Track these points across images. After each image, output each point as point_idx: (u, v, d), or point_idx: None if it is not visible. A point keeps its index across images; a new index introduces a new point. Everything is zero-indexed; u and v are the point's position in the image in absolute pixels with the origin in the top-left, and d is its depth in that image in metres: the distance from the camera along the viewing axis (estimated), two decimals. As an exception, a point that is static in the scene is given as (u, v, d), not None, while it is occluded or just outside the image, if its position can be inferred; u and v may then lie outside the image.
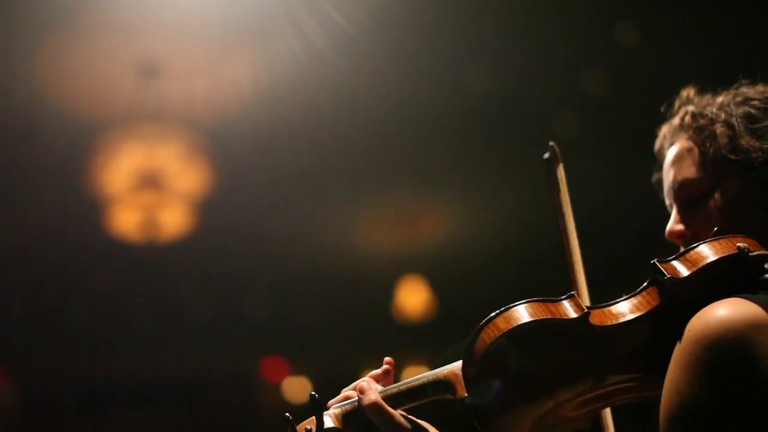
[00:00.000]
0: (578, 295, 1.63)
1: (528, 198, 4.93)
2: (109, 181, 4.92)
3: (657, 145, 1.87)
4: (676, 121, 1.81)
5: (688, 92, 1.83)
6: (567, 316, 1.55)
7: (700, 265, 1.53)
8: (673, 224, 1.78)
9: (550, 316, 1.55)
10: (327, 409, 1.67)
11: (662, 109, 1.88)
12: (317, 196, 5.07)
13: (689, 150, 1.75)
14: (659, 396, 1.48)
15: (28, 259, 5.13)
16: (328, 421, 1.63)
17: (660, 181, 1.86)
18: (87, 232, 5.05)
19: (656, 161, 1.89)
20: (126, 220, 5.05)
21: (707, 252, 1.55)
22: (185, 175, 4.94)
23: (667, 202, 1.82)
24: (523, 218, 5.05)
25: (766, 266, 1.50)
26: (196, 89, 4.58)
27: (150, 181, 4.92)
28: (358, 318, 5.40)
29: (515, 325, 1.53)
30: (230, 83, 4.54)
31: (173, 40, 4.45)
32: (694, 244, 1.59)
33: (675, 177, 1.76)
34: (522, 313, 1.56)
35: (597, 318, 1.56)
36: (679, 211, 1.77)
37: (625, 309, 1.57)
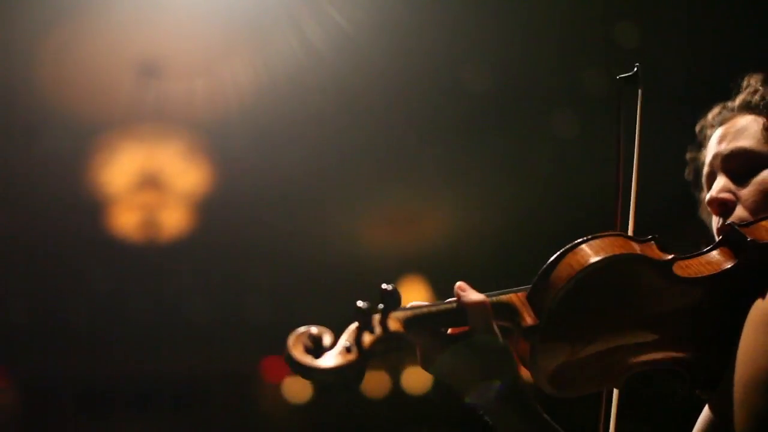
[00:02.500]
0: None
1: (528, 197, 4.94)
2: (109, 181, 4.92)
3: (700, 124, 1.84)
4: (737, 101, 1.78)
5: (755, 77, 1.80)
6: (660, 258, 1.53)
7: None
8: (719, 191, 1.71)
9: (644, 254, 1.52)
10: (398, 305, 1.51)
11: (727, 90, 1.85)
12: (317, 195, 5.07)
13: (753, 124, 1.72)
14: (692, 364, 1.52)
15: (29, 259, 5.13)
16: (391, 324, 1.45)
17: (694, 159, 1.84)
18: (87, 232, 5.05)
19: (693, 141, 1.86)
20: (126, 220, 5.05)
21: None
22: (185, 175, 4.94)
23: (707, 170, 1.78)
24: (524, 217, 5.05)
25: None
26: (196, 89, 4.58)
27: (150, 181, 4.92)
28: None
29: (608, 255, 1.49)
30: (230, 83, 4.54)
31: (173, 40, 4.45)
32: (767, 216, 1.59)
33: (731, 145, 1.72)
34: (611, 244, 1.52)
35: (678, 268, 1.54)
36: (729, 180, 1.72)
37: (700, 263, 1.56)
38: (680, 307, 1.54)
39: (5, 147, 4.68)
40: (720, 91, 1.89)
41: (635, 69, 1.88)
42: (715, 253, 1.57)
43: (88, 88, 4.54)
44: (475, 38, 4.43)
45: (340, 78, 4.52)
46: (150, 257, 5.17)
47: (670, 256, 1.53)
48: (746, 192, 1.68)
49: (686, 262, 1.56)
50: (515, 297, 1.53)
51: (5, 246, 5.02)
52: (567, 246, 1.51)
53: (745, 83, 1.80)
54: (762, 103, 1.72)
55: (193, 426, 5.61)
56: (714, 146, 1.76)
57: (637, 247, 1.53)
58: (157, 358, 5.46)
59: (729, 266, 1.53)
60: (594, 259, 1.48)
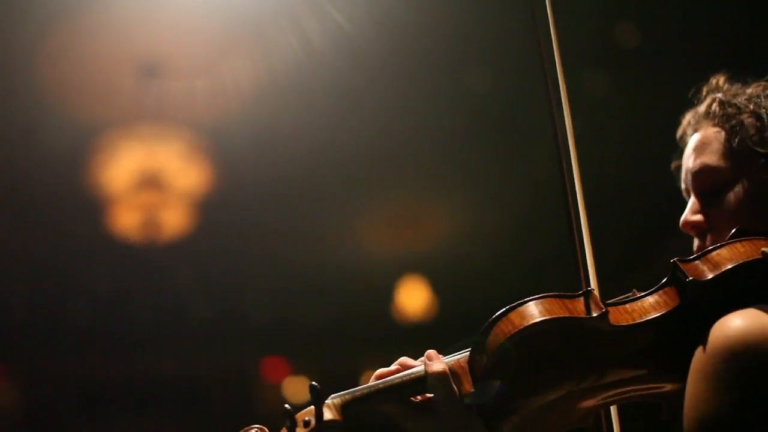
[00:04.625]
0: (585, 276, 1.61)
1: (528, 198, 4.94)
2: (109, 181, 4.92)
3: (679, 132, 1.79)
4: (702, 108, 1.74)
5: (717, 80, 1.76)
6: (585, 314, 1.51)
7: (723, 268, 1.50)
8: (690, 214, 1.72)
9: (567, 315, 1.51)
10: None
11: (690, 95, 1.80)
12: (317, 195, 5.06)
13: (714, 137, 1.68)
14: (666, 394, 1.50)
15: (28, 259, 5.13)
16: (327, 413, 1.55)
17: (678, 169, 1.80)
18: (87, 232, 5.05)
19: (675, 150, 1.82)
20: (126, 220, 5.05)
21: (730, 255, 1.52)
22: (185, 175, 4.94)
23: (683, 187, 1.76)
24: (524, 218, 5.05)
25: None
26: (196, 89, 4.58)
27: (150, 181, 4.92)
28: (358, 318, 5.39)
29: (531, 322, 1.49)
30: (230, 83, 4.54)
31: (173, 39, 4.45)
32: (716, 245, 1.56)
33: (696, 162, 1.70)
34: (537, 309, 1.51)
35: (614, 316, 1.53)
36: (698, 200, 1.71)
37: (643, 307, 1.54)
38: (634, 351, 1.53)
39: (5, 147, 4.68)
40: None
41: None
42: (662, 292, 1.55)
43: (88, 88, 4.54)
44: (475, 38, 4.43)
45: (340, 78, 4.52)
46: (150, 257, 5.17)
47: (602, 310, 1.50)
48: (715, 216, 1.66)
49: (630, 306, 1.54)
50: (457, 363, 1.56)
51: (5, 245, 5.02)
52: (497, 313, 1.53)
53: (710, 86, 1.76)
54: (721, 112, 1.67)
55: (193, 426, 5.61)
56: (685, 160, 1.74)
57: (565, 307, 1.52)
58: (157, 357, 5.46)
59: (673, 307, 1.51)
60: (517, 328, 1.48)
